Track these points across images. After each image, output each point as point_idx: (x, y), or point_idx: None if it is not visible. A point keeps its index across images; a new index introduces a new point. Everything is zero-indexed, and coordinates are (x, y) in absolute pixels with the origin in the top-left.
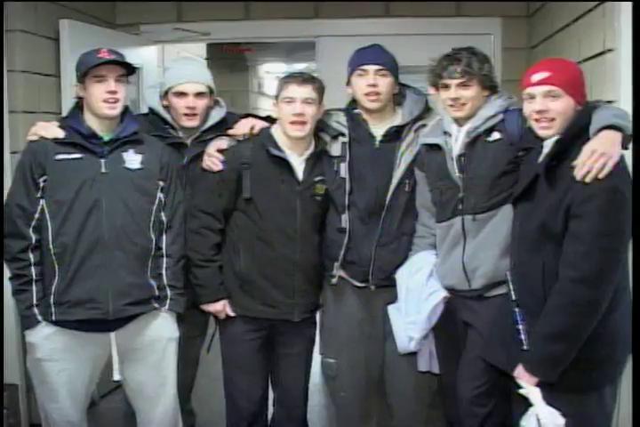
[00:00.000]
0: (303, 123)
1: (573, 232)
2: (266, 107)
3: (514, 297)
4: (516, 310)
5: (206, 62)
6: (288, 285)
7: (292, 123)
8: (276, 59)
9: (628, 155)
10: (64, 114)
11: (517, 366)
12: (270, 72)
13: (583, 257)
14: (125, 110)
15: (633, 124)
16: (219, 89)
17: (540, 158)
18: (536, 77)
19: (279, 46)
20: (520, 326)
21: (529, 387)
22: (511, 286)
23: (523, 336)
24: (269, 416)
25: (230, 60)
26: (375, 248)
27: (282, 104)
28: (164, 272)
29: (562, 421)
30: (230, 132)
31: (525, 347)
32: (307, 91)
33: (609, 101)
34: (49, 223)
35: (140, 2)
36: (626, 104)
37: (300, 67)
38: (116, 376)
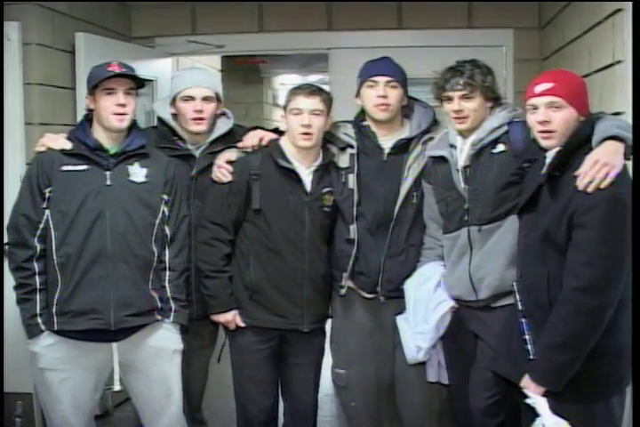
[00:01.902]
0: (310, 134)
1: (576, 242)
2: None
3: (520, 307)
4: (523, 320)
5: (220, 74)
6: (297, 295)
7: (300, 134)
8: (290, 70)
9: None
10: None
11: (524, 376)
12: (285, 84)
13: (586, 266)
14: (133, 124)
15: (634, 134)
16: (233, 101)
17: (543, 169)
18: (539, 88)
19: (293, 58)
20: (527, 337)
21: (536, 397)
22: (517, 297)
23: (529, 346)
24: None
25: (244, 72)
26: (384, 259)
27: (290, 115)
28: (167, 285)
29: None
30: (239, 144)
31: (532, 357)
32: (314, 102)
33: (618, 113)
34: (53, 233)
35: (155, 14)
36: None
37: (314, 78)
38: (117, 387)
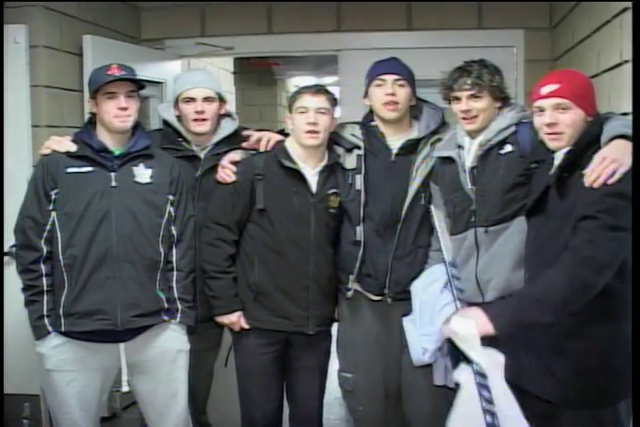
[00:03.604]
0: (317, 132)
1: (580, 227)
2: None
3: None
4: None
5: (233, 76)
6: (302, 297)
7: (307, 132)
8: (304, 72)
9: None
10: None
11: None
12: (299, 86)
13: (588, 243)
14: (137, 125)
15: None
16: (247, 103)
17: (552, 170)
18: (545, 90)
19: (307, 60)
20: None
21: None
22: None
23: None
24: None
25: (258, 75)
26: (391, 261)
27: (295, 114)
28: (174, 285)
29: (502, 358)
30: (245, 144)
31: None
32: (320, 100)
33: (626, 113)
34: (59, 235)
35: (164, 16)
36: None
37: (329, 80)
38: (125, 388)
